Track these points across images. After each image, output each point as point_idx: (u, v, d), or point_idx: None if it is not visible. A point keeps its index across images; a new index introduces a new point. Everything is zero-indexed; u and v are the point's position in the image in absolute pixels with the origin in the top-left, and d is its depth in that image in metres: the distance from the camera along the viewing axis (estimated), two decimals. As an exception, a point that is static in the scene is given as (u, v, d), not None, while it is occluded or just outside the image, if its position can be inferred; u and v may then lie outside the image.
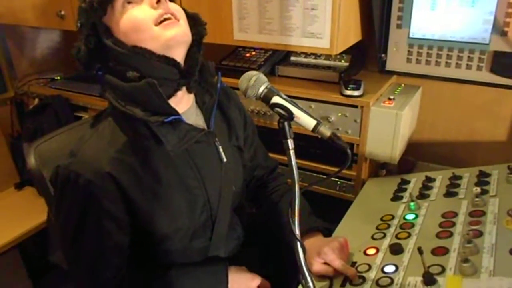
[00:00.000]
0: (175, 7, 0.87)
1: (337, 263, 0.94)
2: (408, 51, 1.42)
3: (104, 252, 0.88)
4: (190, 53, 0.89)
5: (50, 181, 0.92)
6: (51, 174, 0.90)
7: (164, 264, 0.95)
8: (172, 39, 0.84)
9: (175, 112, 0.86)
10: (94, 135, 0.89)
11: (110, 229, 0.87)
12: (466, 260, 0.83)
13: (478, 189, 1.06)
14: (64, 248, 0.94)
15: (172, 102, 0.86)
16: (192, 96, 0.95)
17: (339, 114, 1.33)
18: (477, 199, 1.05)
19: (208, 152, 0.97)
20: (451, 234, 0.97)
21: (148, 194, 0.88)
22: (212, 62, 0.97)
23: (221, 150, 0.99)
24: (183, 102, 0.92)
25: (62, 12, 1.68)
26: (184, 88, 0.90)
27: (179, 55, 0.86)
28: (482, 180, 1.16)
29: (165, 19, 0.83)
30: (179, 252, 0.95)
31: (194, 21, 0.91)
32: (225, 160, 0.99)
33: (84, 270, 0.91)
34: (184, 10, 0.90)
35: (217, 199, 0.98)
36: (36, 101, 1.97)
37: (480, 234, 0.94)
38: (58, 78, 2.04)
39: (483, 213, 1.01)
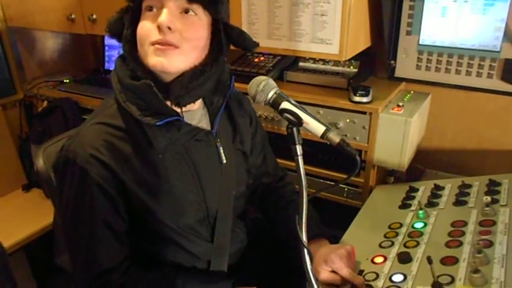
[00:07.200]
0: (185, 29, 0.84)
1: (345, 271, 0.93)
2: (418, 58, 1.41)
3: (101, 236, 0.88)
4: (184, 78, 0.86)
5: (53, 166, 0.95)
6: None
7: (170, 271, 0.95)
8: (153, 66, 0.84)
9: (174, 113, 0.87)
10: (95, 118, 0.91)
11: (106, 210, 0.88)
12: (476, 271, 0.82)
13: (488, 198, 1.05)
14: (65, 235, 0.94)
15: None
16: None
17: (348, 120, 1.32)
18: (487, 208, 1.04)
19: (208, 151, 0.97)
20: (460, 244, 0.96)
21: (141, 182, 0.89)
22: (227, 65, 0.96)
23: (221, 151, 0.99)
24: None
25: (73, 16, 1.70)
26: None
27: (165, 78, 0.87)
28: (492, 189, 1.14)
29: (159, 43, 0.83)
30: (180, 245, 0.96)
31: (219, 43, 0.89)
32: (224, 161, 0.99)
33: (82, 258, 0.90)
34: (217, 31, 0.88)
35: (216, 199, 0.98)
36: (45, 103, 1.98)
37: (490, 244, 0.92)
38: (67, 81, 2.05)
39: (494, 223, 1.00)
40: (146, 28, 0.84)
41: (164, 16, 0.81)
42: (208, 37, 0.88)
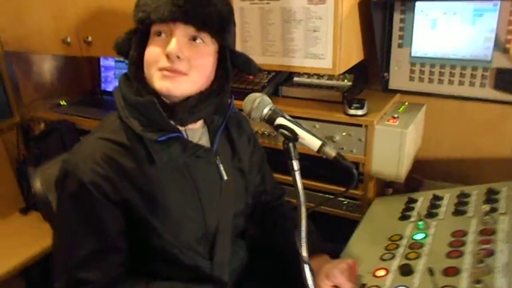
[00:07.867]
0: (193, 57, 0.85)
1: (347, 286, 0.92)
2: (411, 69, 1.42)
3: (100, 247, 0.87)
4: (189, 102, 0.88)
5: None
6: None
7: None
8: (159, 90, 0.86)
9: (176, 130, 0.88)
10: (97, 132, 0.91)
11: (105, 219, 0.87)
12: (478, 281, 0.81)
13: (488, 207, 1.05)
14: (58, 247, 0.93)
15: None
16: None
17: (344, 133, 1.33)
18: (486, 217, 1.04)
19: (208, 168, 0.97)
20: (461, 254, 0.95)
21: (141, 197, 0.88)
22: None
23: (221, 168, 0.99)
24: None
25: (68, 39, 1.71)
26: None
27: (170, 100, 0.88)
28: (491, 197, 1.14)
29: (168, 70, 0.84)
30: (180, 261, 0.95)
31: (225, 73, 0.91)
32: (225, 178, 0.99)
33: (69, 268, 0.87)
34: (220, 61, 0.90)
35: (216, 216, 0.98)
36: (42, 126, 1.98)
37: (491, 253, 0.92)
38: (64, 103, 2.07)
39: (494, 232, 0.99)
40: (154, 54, 0.86)
41: (173, 45, 0.83)
42: (215, 64, 0.90)
